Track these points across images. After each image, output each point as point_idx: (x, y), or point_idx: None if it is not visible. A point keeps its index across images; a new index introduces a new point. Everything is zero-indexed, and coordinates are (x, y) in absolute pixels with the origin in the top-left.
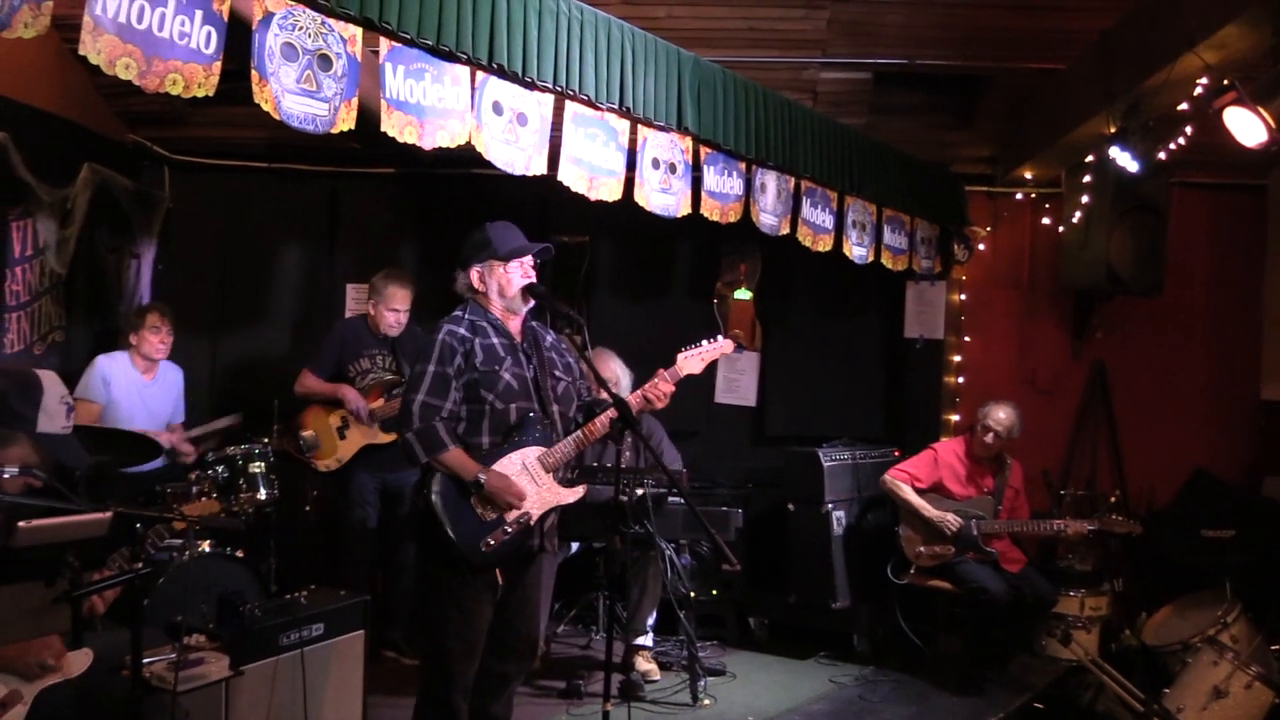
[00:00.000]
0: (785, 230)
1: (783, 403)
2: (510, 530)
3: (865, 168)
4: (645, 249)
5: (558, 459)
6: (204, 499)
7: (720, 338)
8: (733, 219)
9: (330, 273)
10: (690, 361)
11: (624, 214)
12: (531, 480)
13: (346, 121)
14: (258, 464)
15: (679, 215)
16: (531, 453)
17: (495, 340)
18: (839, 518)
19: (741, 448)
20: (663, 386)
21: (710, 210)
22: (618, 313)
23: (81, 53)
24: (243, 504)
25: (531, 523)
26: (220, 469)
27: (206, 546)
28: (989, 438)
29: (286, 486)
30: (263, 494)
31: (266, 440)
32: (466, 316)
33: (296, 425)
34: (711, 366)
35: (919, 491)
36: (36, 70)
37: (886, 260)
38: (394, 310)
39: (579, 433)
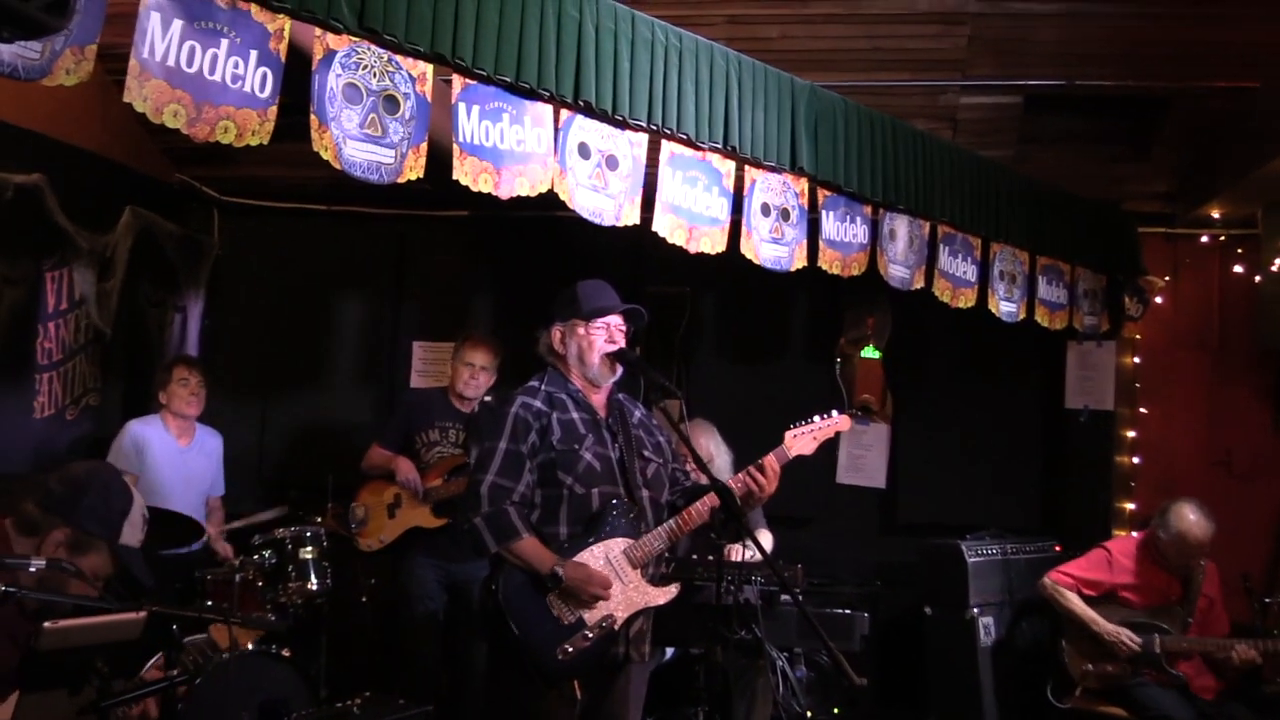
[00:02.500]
0: (919, 284)
1: (918, 485)
2: (591, 635)
3: (1014, 209)
4: (754, 301)
5: (647, 552)
6: (247, 592)
7: (836, 413)
8: (856, 272)
9: (395, 329)
10: (801, 440)
11: (730, 261)
12: (617, 577)
13: (414, 169)
14: (308, 549)
15: (792, 269)
16: (616, 545)
17: (575, 415)
18: (986, 625)
19: (868, 538)
20: (768, 472)
21: (829, 263)
22: (721, 377)
23: (127, 99)
24: (291, 595)
25: (616, 627)
26: (267, 554)
27: (250, 644)
28: (1172, 551)
29: (340, 574)
30: (314, 584)
31: (319, 519)
32: (543, 388)
33: (352, 500)
34: (832, 442)
35: (1088, 600)
36: (75, 104)
37: (1042, 318)
38: (469, 365)
39: (672, 522)
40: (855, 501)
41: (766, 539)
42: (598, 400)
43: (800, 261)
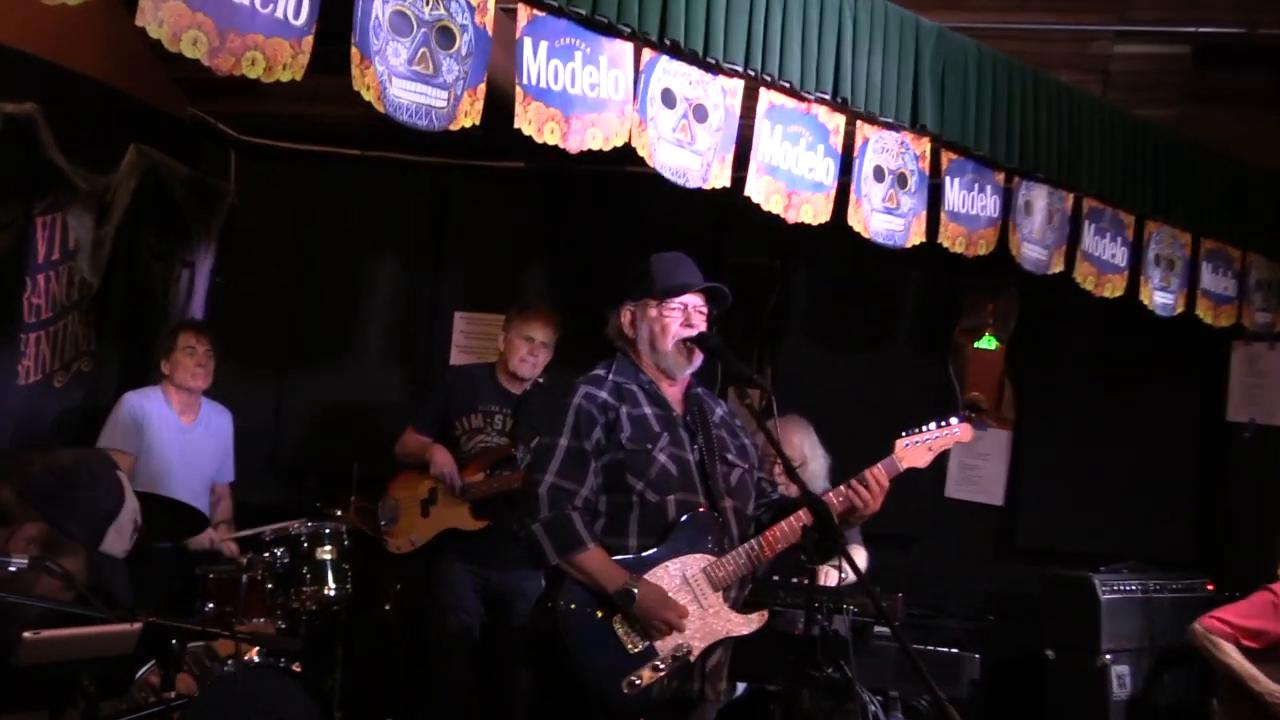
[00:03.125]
0: (1057, 268)
1: (1043, 503)
2: (663, 667)
3: (1176, 181)
4: (855, 280)
5: (730, 573)
6: (255, 595)
7: (956, 421)
8: (983, 251)
9: (435, 297)
10: (914, 451)
11: (827, 233)
12: (694, 600)
13: (470, 115)
14: (327, 549)
15: (907, 245)
16: (695, 563)
17: (648, 410)
18: (1121, 676)
19: (981, 563)
20: (874, 487)
21: (952, 239)
22: (813, 367)
23: (139, 23)
24: (304, 600)
25: (692, 658)
26: (279, 552)
27: (255, 655)
28: None
29: (363, 579)
30: (331, 588)
31: (340, 513)
32: (610, 377)
33: (381, 493)
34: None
35: (1247, 653)
36: (77, 25)
37: (1204, 312)
38: (527, 340)
39: (759, 539)
40: (967, 520)
41: (861, 559)
42: (673, 394)
43: (917, 236)
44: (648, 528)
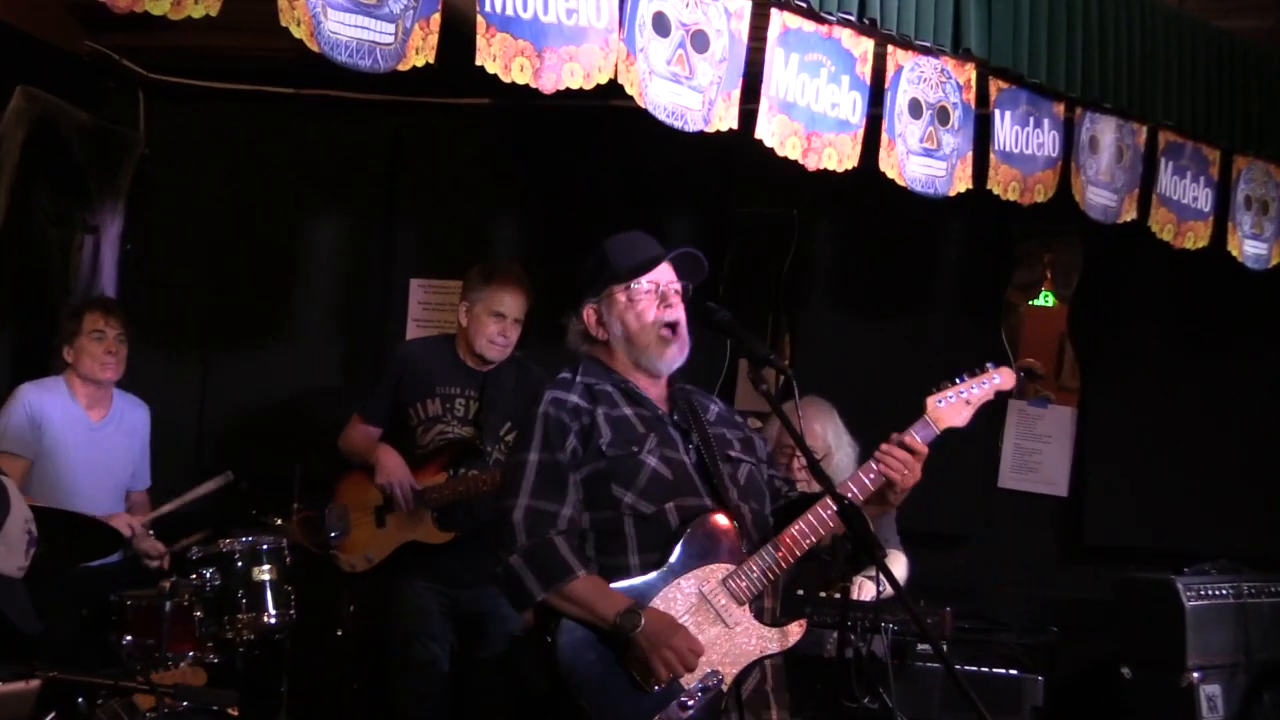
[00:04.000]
0: (1129, 215)
1: (1114, 493)
2: (692, 704)
3: (1271, 109)
4: (889, 230)
5: (754, 581)
6: (181, 625)
7: (993, 367)
8: (1040, 198)
9: (387, 260)
10: (951, 409)
11: (856, 175)
12: (716, 618)
13: (423, 51)
14: (265, 568)
15: (950, 193)
16: (713, 574)
17: (627, 411)
18: (1211, 697)
19: (1042, 566)
20: (900, 454)
21: (1004, 184)
22: (839, 334)
23: None
24: (240, 629)
25: (724, 687)
26: (209, 574)
27: (182, 702)
28: None
29: (309, 600)
30: (272, 614)
31: (280, 522)
32: (579, 379)
33: (329, 499)
34: (994, 433)
35: None
36: None
37: None
38: (497, 316)
39: (777, 540)
40: (1025, 514)
41: (900, 569)
42: (655, 393)
43: (962, 182)
44: (648, 543)
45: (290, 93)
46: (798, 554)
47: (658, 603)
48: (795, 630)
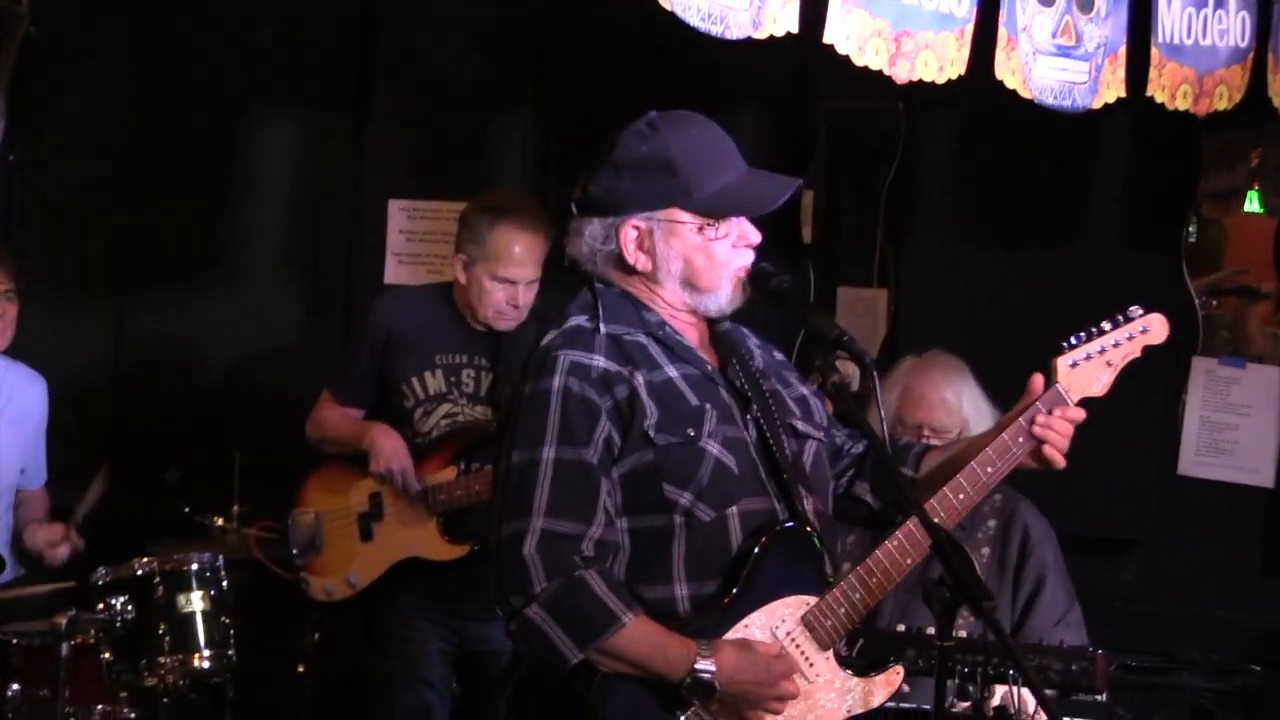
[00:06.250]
0: None
1: None
2: None
3: None
4: (1020, 128)
5: (842, 620)
6: (86, 669)
7: (1140, 314)
8: (1223, 104)
9: (358, 176)
10: (1087, 372)
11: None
12: (794, 668)
13: None
14: (195, 595)
15: (1095, 104)
16: (788, 611)
17: (672, 371)
18: None
19: (1239, 581)
20: (1058, 424)
21: (1170, 87)
22: (956, 263)
23: None
24: (164, 675)
25: None
26: (119, 604)
27: None
28: None
29: (259, 629)
30: (204, 655)
31: (220, 522)
32: (603, 328)
33: (294, 499)
34: (1171, 408)
35: None
36: None
37: None
38: (505, 282)
39: (873, 568)
40: (1215, 512)
41: None
42: (696, 336)
43: (1112, 90)
44: (701, 564)
45: None
46: (894, 582)
47: (728, 641)
48: (891, 678)
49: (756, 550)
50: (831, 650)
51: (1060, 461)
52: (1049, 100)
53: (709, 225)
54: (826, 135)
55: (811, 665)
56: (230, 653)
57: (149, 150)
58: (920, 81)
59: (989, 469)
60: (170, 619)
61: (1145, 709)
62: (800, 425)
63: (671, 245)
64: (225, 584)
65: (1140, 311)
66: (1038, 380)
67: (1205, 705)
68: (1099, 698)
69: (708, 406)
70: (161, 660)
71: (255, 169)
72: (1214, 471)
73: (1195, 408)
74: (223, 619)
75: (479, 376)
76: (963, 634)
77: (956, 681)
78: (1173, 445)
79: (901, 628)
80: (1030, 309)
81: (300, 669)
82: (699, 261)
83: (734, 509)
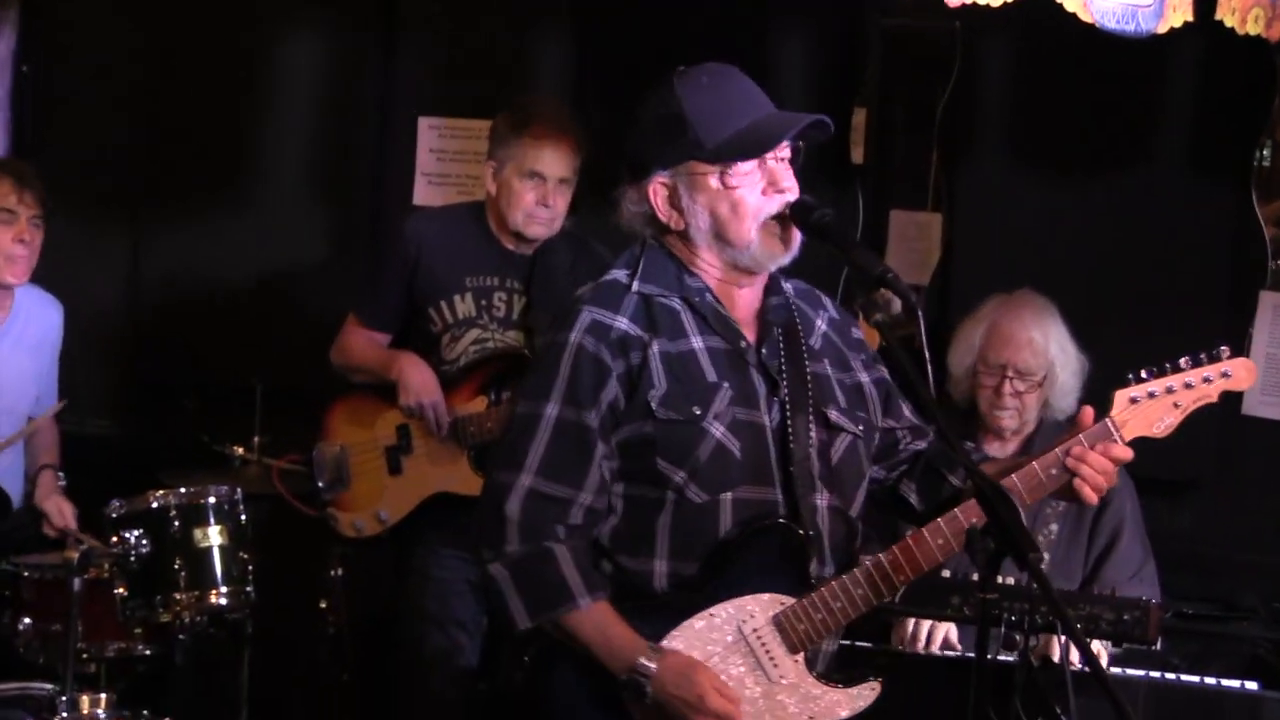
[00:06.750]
0: None
1: None
2: None
3: None
4: (1084, 49)
5: (819, 624)
6: (99, 604)
7: (1227, 356)
8: None
9: (385, 93)
10: (1148, 412)
11: None
12: (756, 666)
13: None
14: (213, 529)
15: (1160, 28)
16: (761, 608)
17: (697, 343)
18: None
19: None
20: (1096, 460)
21: (1241, 9)
22: (1015, 192)
23: None
24: (179, 611)
25: None
26: (134, 537)
27: (102, 705)
28: None
29: (280, 563)
30: (221, 593)
31: (240, 452)
32: (636, 287)
33: (319, 432)
34: (1235, 335)
35: None
36: None
37: None
38: (535, 178)
39: (870, 570)
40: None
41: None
42: (745, 300)
43: (1179, 13)
44: (686, 544)
45: None
46: (882, 598)
47: (676, 637)
48: (867, 692)
49: (736, 541)
50: (803, 655)
51: (1091, 499)
52: (1111, 24)
53: (727, 173)
54: (881, 53)
55: (776, 666)
56: (249, 589)
57: (167, 63)
58: (976, 3)
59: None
60: (186, 554)
61: (1201, 658)
62: (834, 415)
63: (696, 199)
64: (244, 518)
65: (1228, 353)
66: (1088, 412)
67: (1264, 657)
68: (1151, 647)
69: (725, 385)
70: (177, 596)
71: (278, 85)
72: (1278, 411)
73: (1262, 345)
74: (241, 554)
75: (511, 300)
76: (1010, 581)
77: (1003, 630)
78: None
79: (946, 574)
80: (1090, 236)
81: (323, 605)
82: (724, 212)
83: (729, 495)
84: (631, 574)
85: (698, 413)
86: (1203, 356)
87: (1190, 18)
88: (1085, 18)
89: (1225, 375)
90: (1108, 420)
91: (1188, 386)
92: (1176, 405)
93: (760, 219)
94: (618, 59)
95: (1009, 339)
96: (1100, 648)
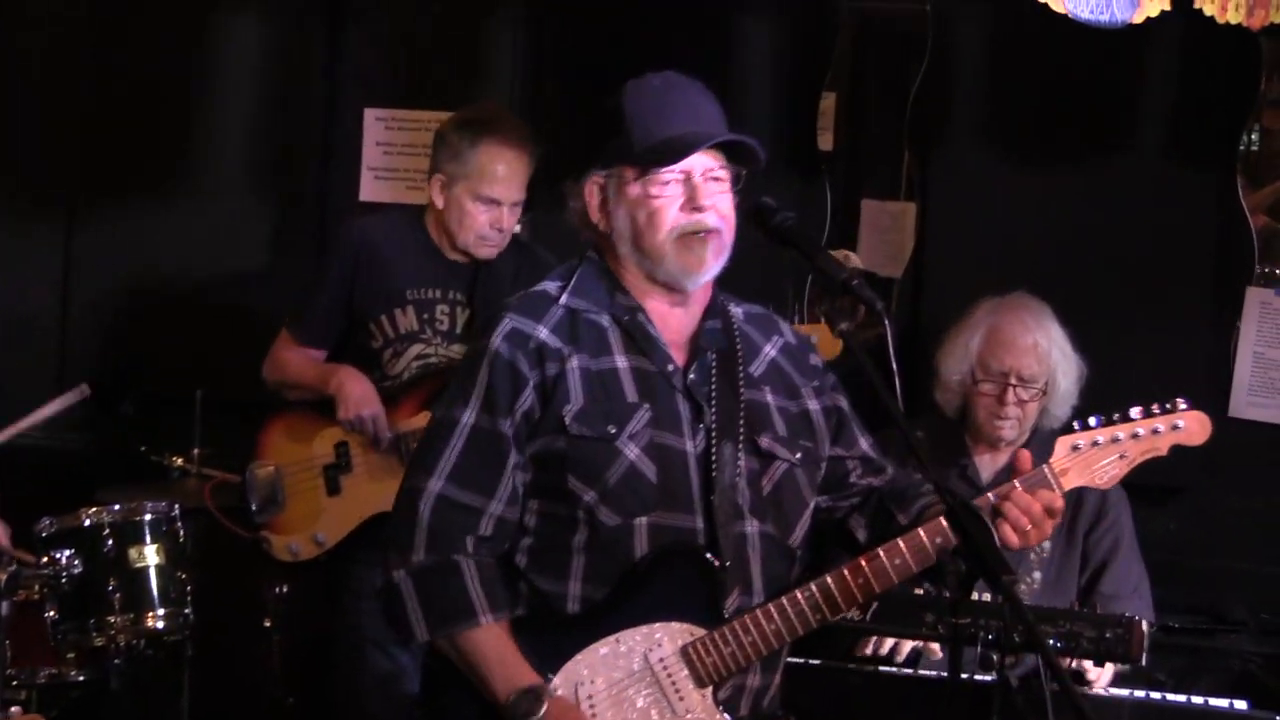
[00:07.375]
0: None
1: None
2: None
3: None
4: (1059, 33)
5: (728, 657)
6: (29, 628)
7: (1182, 408)
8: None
9: (330, 83)
10: (1088, 462)
11: None
12: (659, 699)
13: None
14: (149, 548)
15: (1135, 18)
16: (669, 637)
17: (620, 362)
18: None
19: None
20: (1021, 499)
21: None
22: (988, 181)
23: None
24: (114, 634)
25: None
26: (65, 558)
27: None
28: None
29: (224, 578)
30: (159, 616)
31: (180, 462)
32: (564, 300)
33: (251, 452)
34: (1224, 346)
35: None
36: None
37: None
38: (488, 203)
39: (784, 604)
40: (1270, 457)
41: None
42: (678, 323)
43: (1155, 4)
44: (600, 568)
45: None
46: (795, 634)
47: (580, 662)
48: None
49: (646, 566)
50: (711, 689)
51: (1014, 542)
52: (1084, 14)
53: (648, 181)
54: (851, 36)
55: (682, 699)
56: (187, 610)
57: (103, 50)
58: None
59: (897, 560)
60: (121, 574)
61: (1187, 674)
62: (766, 443)
63: (620, 203)
64: (182, 535)
65: (1185, 405)
66: (1025, 456)
67: (1253, 672)
68: (1135, 665)
69: (645, 406)
70: (111, 619)
71: (219, 74)
72: (1268, 414)
73: (1249, 343)
74: (179, 574)
75: (454, 312)
76: (986, 598)
77: (979, 650)
78: (1223, 384)
79: (920, 591)
80: (1070, 227)
81: (266, 623)
82: (640, 219)
83: (643, 519)
84: (545, 595)
85: (612, 431)
86: (1154, 408)
87: (1167, 6)
88: (1057, 8)
89: (1176, 428)
90: (1045, 467)
91: (1135, 437)
92: (1122, 456)
93: (674, 234)
94: (575, 43)
95: (1011, 344)
96: (1098, 670)
